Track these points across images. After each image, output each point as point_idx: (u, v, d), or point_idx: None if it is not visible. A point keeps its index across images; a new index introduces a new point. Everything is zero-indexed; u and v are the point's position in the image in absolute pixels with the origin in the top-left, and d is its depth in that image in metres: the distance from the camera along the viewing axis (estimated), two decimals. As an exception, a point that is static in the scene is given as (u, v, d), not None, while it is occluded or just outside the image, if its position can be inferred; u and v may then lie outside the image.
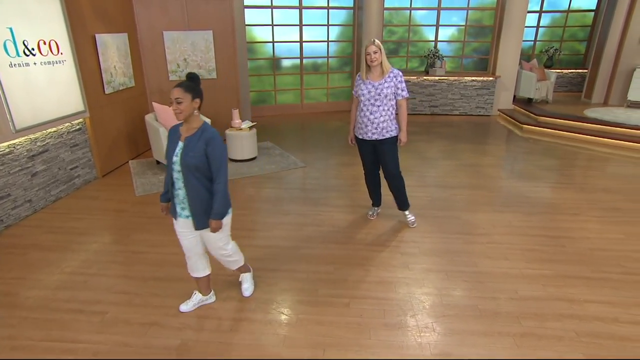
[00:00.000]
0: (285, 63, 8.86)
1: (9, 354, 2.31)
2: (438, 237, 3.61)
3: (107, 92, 5.20)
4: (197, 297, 2.71)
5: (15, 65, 3.74)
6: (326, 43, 8.88)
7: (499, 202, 4.37)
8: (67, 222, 3.96)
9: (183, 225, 2.43)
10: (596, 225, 3.82)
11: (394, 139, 3.56)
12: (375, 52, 3.30)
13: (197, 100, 2.25)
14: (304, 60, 8.87)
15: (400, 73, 3.44)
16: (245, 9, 7.70)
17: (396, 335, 2.43)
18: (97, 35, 4.95)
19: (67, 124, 4.56)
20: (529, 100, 8.86)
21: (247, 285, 2.84)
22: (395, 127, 3.54)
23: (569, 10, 10.20)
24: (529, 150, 6.31)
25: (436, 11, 8.87)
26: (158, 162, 5.51)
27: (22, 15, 3.81)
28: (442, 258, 3.29)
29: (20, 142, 3.93)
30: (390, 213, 4.07)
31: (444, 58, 8.98)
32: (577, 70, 10.59)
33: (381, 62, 3.36)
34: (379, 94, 3.38)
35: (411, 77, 8.75)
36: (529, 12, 8.45)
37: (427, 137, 7.09)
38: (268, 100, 8.96)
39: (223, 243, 2.52)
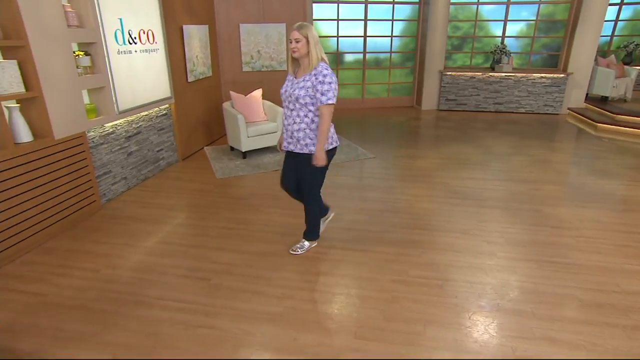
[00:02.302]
0: (348, 58, 8.94)
1: (132, 307, 2.54)
2: (522, 229, 3.55)
3: (189, 80, 5.50)
4: None
5: (121, 52, 4.06)
6: (390, 38, 8.87)
7: (581, 197, 4.22)
8: (158, 199, 4.25)
9: None
10: (696, 225, 3.60)
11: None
12: (297, 41, 2.60)
13: None
14: (367, 55, 8.91)
15: (327, 72, 2.62)
16: (313, 4, 7.86)
17: (496, 317, 2.44)
18: (184, 27, 5.25)
19: (156, 109, 4.87)
20: (604, 98, 8.40)
21: None
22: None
23: (653, 3, 9.52)
24: (605, 149, 6.01)
25: (505, 5, 8.61)
26: (232, 149, 5.76)
27: (128, 6, 4.13)
28: (530, 249, 3.23)
29: (120, 123, 4.26)
30: (471, 203, 4.05)
31: (511, 54, 8.70)
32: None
33: (308, 55, 2.64)
34: (290, 96, 2.72)
35: (476, 74, 8.56)
36: (610, 4, 7.99)
37: (494, 134, 6.92)
38: (329, 94, 9.07)
39: None
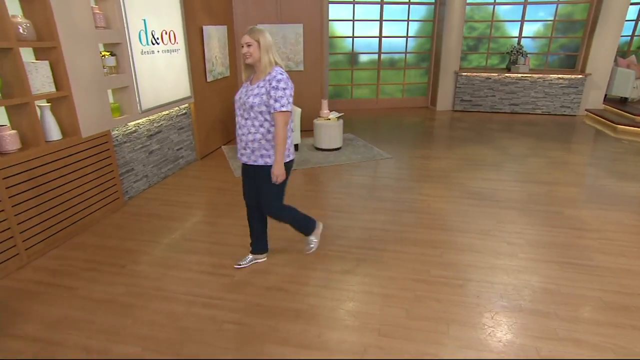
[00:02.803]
0: (363, 58, 8.96)
1: (159, 302, 2.60)
2: (542, 230, 3.54)
3: (208, 80, 5.58)
4: None
5: (144, 52, 4.14)
6: (405, 38, 8.87)
7: (602, 200, 4.18)
8: (179, 196, 4.33)
9: None
10: None
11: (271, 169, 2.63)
12: (249, 45, 2.47)
13: None
14: (382, 56, 8.92)
15: (281, 77, 2.47)
16: (329, 4, 7.89)
17: (518, 317, 2.44)
18: (204, 27, 5.33)
19: (176, 108, 4.96)
20: (624, 99, 8.29)
21: None
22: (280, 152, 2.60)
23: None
24: (625, 151, 5.94)
25: (522, 6, 8.54)
26: (249, 148, 5.82)
27: (152, 7, 4.21)
28: (551, 250, 3.22)
29: (142, 122, 4.34)
30: (489, 204, 4.04)
31: (528, 55, 8.64)
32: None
33: (260, 60, 2.50)
34: (245, 104, 2.54)
35: (492, 74, 8.52)
36: (631, 3, 7.87)
37: (510, 135, 6.88)
38: (344, 95, 9.11)
39: None
